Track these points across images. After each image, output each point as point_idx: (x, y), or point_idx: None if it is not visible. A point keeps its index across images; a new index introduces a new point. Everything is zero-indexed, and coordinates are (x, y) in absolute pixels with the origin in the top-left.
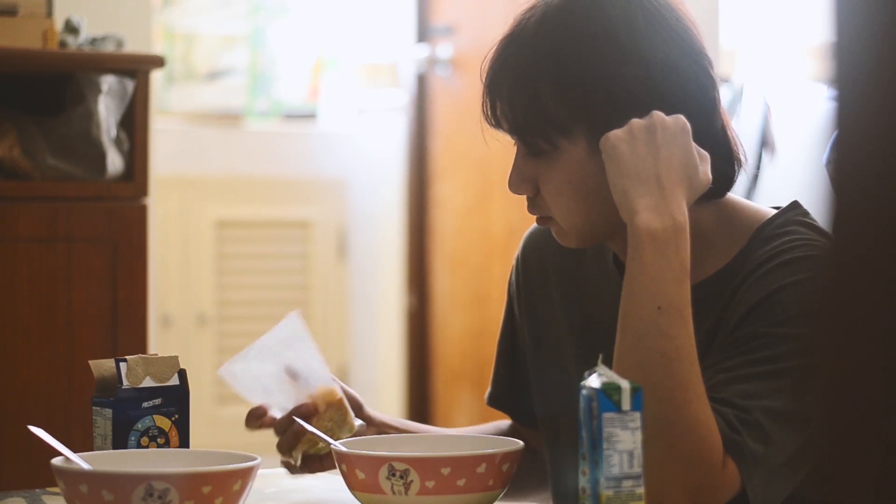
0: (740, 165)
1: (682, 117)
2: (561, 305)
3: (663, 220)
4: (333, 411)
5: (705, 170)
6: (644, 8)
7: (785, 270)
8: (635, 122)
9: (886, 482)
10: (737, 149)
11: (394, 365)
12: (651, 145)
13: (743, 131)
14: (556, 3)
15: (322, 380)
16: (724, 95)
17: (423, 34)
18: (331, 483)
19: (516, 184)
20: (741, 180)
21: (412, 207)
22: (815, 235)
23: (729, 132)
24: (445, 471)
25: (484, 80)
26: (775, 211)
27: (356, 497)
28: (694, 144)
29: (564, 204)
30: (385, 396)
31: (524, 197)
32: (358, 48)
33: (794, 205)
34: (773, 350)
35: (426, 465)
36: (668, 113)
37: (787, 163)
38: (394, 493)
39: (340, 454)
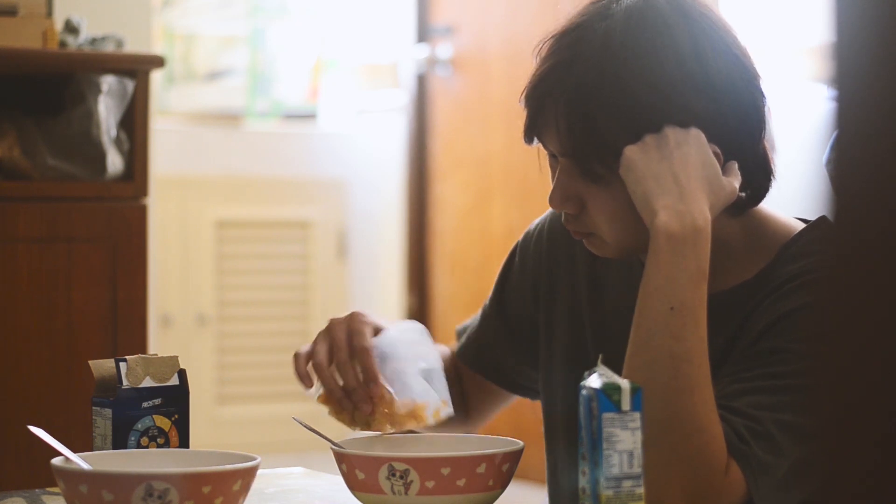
0: (774, 176)
1: (694, 128)
2: (587, 304)
3: (682, 221)
4: (403, 422)
5: (730, 180)
6: (706, 32)
7: (809, 290)
8: (648, 136)
9: (885, 485)
10: (772, 160)
11: None
12: (664, 150)
13: None
14: (619, 20)
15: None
16: None
17: (423, 34)
18: (331, 483)
19: (560, 201)
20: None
21: (412, 207)
22: None
23: (767, 145)
24: (445, 471)
25: (530, 93)
26: (803, 225)
27: (356, 497)
28: (711, 152)
29: (618, 226)
30: None
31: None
32: (358, 49)
33: (823, 220)
34: (790, 365)
35: (426, 465)
36: (726, 135)
37: (787, 163)
38: (394, 493)
39: (340, 454)
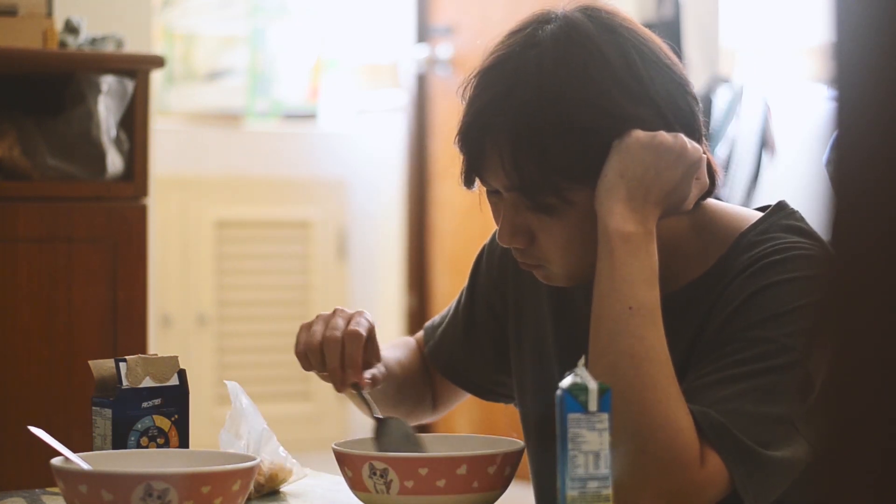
0: (717, 180)
1: (700, 149)
2: (551, 311)
3: (636, 224)
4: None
5: (693, 195)
6: (634, 45)
7: (760, 275)
8: (661, 135)
9: (886, 488)
10: (713, 162)
11: None
12: (661, 160)
13: (743, 131)
14: (548, 46)
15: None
16: (724, 96)
17: (423, 34)
18: (331, 483)
19: (510, 237)
20: (740, 182)
21: (412, 207)
22: (800, 238)
23: (706, 144)
24: (423, 471)
25: (466, 133)
26: (759, 215)
27: (355, 495)
28: (694, 182)
29: (570, 255)
30: None
31: None
32: (358, 49)
33: (780, 206)
34: (746, 353)
35: (403, 465)
36: None
37: (787, 163)
38: (377, 491)
39: (334, 451)
